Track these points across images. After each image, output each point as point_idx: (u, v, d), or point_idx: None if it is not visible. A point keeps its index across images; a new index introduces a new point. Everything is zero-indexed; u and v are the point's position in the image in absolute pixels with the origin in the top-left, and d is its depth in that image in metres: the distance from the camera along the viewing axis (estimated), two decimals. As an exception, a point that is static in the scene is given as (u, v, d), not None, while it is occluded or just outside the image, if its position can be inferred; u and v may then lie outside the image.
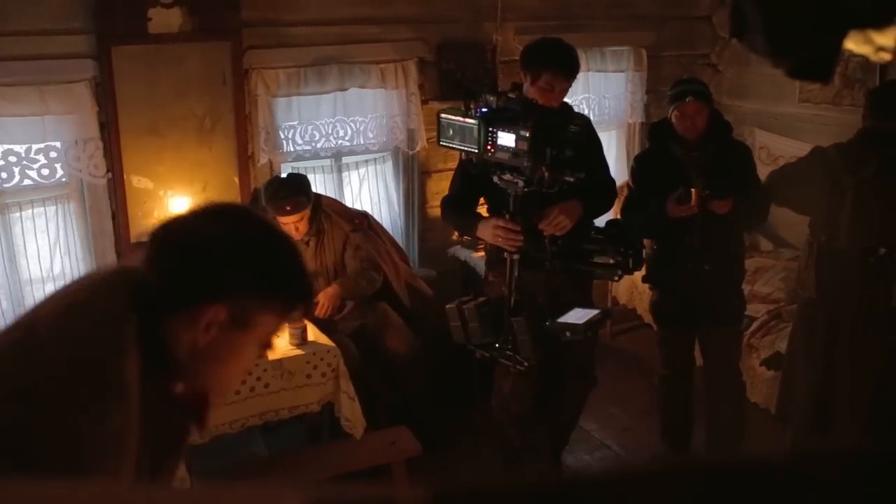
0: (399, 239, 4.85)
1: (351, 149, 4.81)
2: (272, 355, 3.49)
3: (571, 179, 2.84)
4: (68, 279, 4.41)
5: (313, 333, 3.73)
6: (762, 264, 5.13)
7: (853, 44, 0.73)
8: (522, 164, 2.82)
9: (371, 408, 3.77)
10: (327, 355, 3.62)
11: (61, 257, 4.23)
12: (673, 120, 3.59)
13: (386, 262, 4.31)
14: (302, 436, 4.13)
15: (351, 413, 3.63)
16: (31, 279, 4.19)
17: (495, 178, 2.96)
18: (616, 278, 3.11)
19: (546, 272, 3.18)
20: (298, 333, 3.62)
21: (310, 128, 4.63)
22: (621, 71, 5.42)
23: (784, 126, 5.27)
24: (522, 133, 2.77)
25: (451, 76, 4.82)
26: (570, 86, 3.32)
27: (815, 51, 0.74)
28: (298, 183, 4.01)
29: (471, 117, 2.86)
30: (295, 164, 4.54)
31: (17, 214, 4.10)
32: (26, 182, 4.07)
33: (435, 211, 5.06)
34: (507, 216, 3.05)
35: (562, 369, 3.63)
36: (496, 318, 3.04)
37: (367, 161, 4.95)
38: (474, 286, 4.95)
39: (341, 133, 4.72)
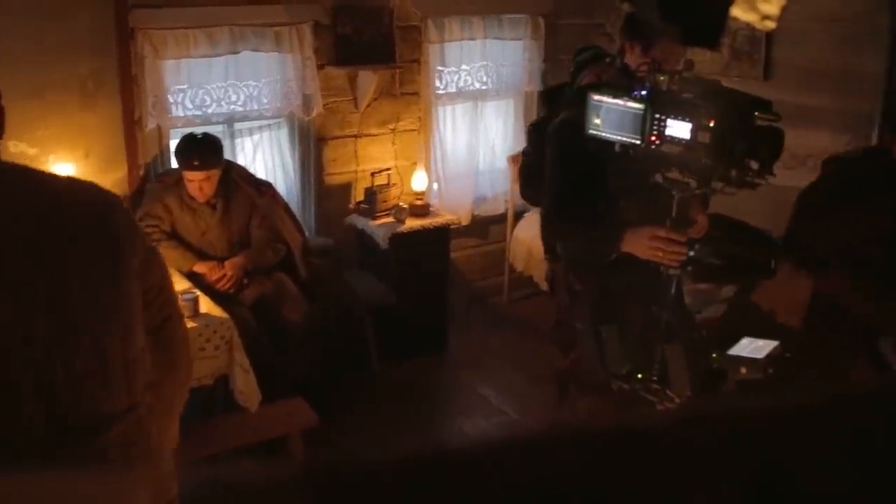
0: (295, 207, 4.76)
1: (244, 114, 4.67)
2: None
3: (764, 183, 2.34)
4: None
5: (206, 305, 3.63)
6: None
7: (740, 11, 0.74)
8: (698, 161, 2.35)
9: (268, 380, 3.71)
10: (220, 327, 3.53)
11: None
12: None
13: (286, 232, 4.28)
14: (196, 410, 4.03)
15: (245, 385, 3.56)
16: None
17: (657, 177, 2.50)
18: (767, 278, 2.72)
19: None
20: (190, 305, 3.52)
21: (200, 92, 4.46)
22: (518, 39, 5.44)
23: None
24: (704, 122, 2.29)
25: (348, 41, 4.73)
26: (685, 54, 2.68)
27: (704, 17, 0.74)
28: (211, 142, 4.04)
29: (635, 100, 2.38)
30: (185, 130, 4.38)
31: None
32: None
33: (332, 178, 4.99)
34: (668, 224, 2.54)
35: None
36: (641, 344, 2.65)
37: (261, 127, 4.82)
38: (371, 254, 4.93)
39: (234, 98, 4.57)
